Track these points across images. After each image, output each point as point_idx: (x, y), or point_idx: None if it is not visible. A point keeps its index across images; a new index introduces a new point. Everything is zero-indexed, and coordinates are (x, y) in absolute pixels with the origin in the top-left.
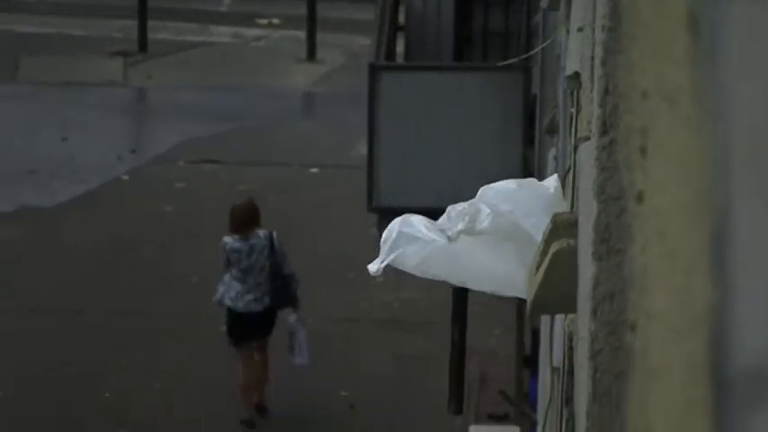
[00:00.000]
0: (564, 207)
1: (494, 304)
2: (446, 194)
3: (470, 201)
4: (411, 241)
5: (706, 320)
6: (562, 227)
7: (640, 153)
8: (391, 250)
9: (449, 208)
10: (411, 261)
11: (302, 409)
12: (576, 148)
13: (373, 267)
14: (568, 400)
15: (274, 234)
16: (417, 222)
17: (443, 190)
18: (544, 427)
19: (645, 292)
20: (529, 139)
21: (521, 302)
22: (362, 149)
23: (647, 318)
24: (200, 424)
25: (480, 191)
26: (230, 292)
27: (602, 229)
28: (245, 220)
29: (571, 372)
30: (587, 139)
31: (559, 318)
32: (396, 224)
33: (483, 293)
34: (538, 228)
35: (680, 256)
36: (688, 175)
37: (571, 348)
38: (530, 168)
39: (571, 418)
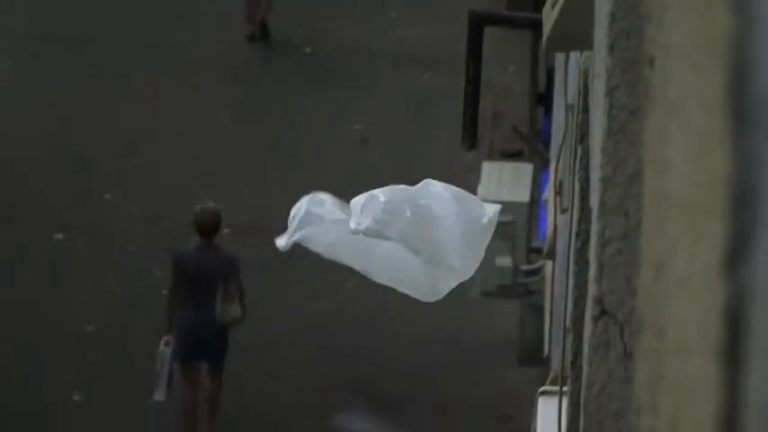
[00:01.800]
0: (485, 242)
1: (509, 41)
2: None
3: (405, 190)
4: (318, 222)
5: (725, 53)
6: None
7: None
8: (299, 227)
9: (374, 193)
10: (319, 242)
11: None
12: None
13: (281, 242)
14: (583, 137)
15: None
16: (327, 200)
17: None
18: (557, 164)
19: (663, 26)
20: None
21: (535, 39)
22: None
23: (665, 53)
24: None
25: (423, 182)
26: None
27: None
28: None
29: (586, 109)
30: None
31: (574, 55)
32: (304, 201)
33: (499, 30)
34: (450, 252)
35: None
36: None
37: (586, 86)
38: None
39: (585, 156)
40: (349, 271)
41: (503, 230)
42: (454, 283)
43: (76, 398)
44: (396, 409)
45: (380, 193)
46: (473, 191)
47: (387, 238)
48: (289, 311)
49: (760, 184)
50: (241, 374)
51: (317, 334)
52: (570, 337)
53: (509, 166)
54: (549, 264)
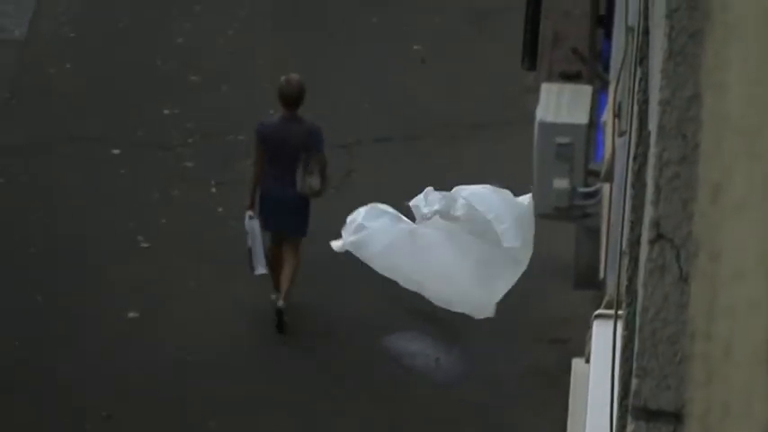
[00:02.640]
0: (533, 225)
1: None
2: None
3: (445, 193)
4: (377, 222)
5: None
6: None
7: None
8: (357, 230)
9: (426, 190)
10: (372, 247)
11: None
12: None
13: (336, 244)
14: (642, 59)
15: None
16: (385, 209)
17: None
18: (616, 86)
19: None
20: None
21: None
22: None
23: None
24: None
25: (454, 189)
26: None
27: None
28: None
29: (646, 31)
30: None
31: None
32: (363, 210)
33: None
34: (507, 234)
35: None
36: None
37: (647, 8)
38: None
39: (644, 78)
40: (403, 194)
41: (561, 152)
42: (505, 290)
43: (132, 315)
44: (448, 331)
45: (432, 189)
46: (532, 112)
47: (456, 220)
48: None
49: None
50: (298, 286)
51: None
52: (626, 261)
53: (568, 88)
54: (606, 186)
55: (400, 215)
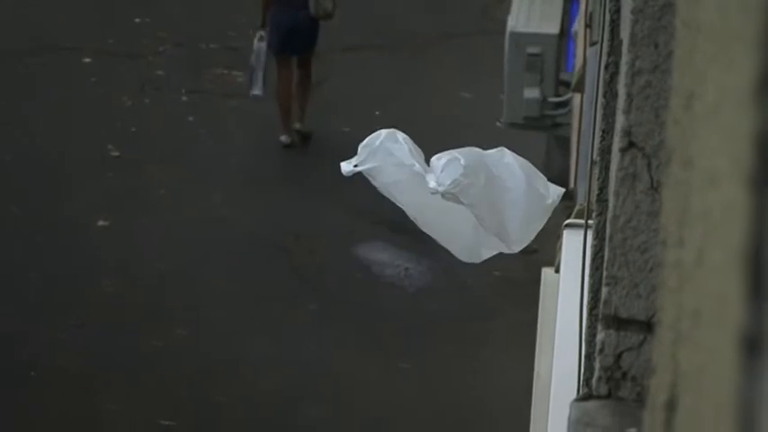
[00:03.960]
0: (543, 223)
1: None
2: None
3: (480, 155)
4: (387, 159)
5: None
6: None
7: None
8: (369, 158)
9: (453, 155)
10: (383, 178)
11: None
12: None
13: (346, 168)
14: None
15: None
16: (403, 141)
17: None
18: None
19: None
20: None
21: None
22: None
23: None
24: None
25: (499, 150)
26: None
27: None
28: None
29: None
30: None
31: None
32: (381, 134)
33: None
34: (509, 222)
35: None
36: None
37: None
38: None
39: None
40: (375, 103)
41: (531, 62)
42: (496, 252)
43: (102, 223)
44: (418, 242)
45: (460, 156)
46: (504, 22)
47: (460, 203)
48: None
49: None
50: (264, 197)
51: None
52: (597, 170)
53: None
54: (576, 96)
55: (416, 150)
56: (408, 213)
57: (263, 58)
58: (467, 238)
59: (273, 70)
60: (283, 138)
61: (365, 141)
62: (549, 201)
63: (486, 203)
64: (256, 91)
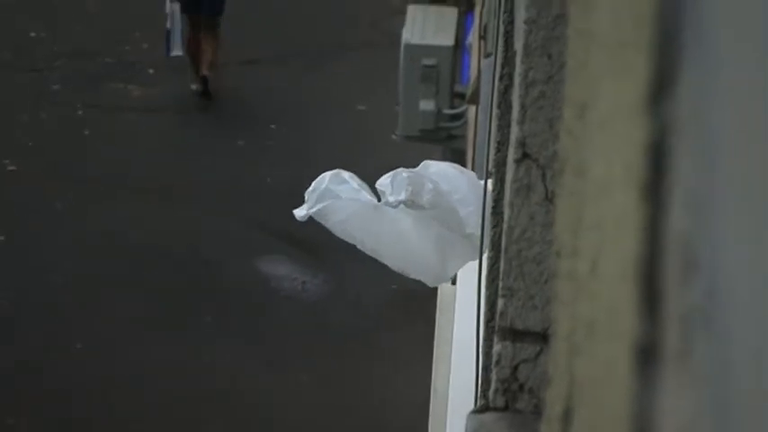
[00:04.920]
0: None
1: None
2: None
3: (413, 170)
4: (335, 198)
5: None
6: None
7: None
8: (318, 201)
9: (394, 172)
10: (335, 216)
11: None
12: None
13: (300, 213)
14: None
15: None
16: (349, 179)
17: None
18: (482, 8)
19: None
20: None
21: None
22: None
23: None
24: None
25: (422, 164)
26: None
27: None
28: None
29: None
30: None
31: None
32: (326, 177)
33: None
34: (470, 219)
35: None
36: None
37: None
38: None
39: None
40: (273, 116)
41: (426, 74)
42: (462, 264)
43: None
44: (316, 255)
45: (400, 171)
46: (394, 35)
47: (422, 208)
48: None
49: (684, 19)
50: (162, 208)
51: (248, 171)
52: (492, 182)
53: (434, 10)
54: (471, 108)
55: (363, 185)
56: (366, 249)
57: (177, 18)
58: (430, 260)
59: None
60: (194, 86)
61: (311, 187)
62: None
63: (443, 205)
64: (176, 51)
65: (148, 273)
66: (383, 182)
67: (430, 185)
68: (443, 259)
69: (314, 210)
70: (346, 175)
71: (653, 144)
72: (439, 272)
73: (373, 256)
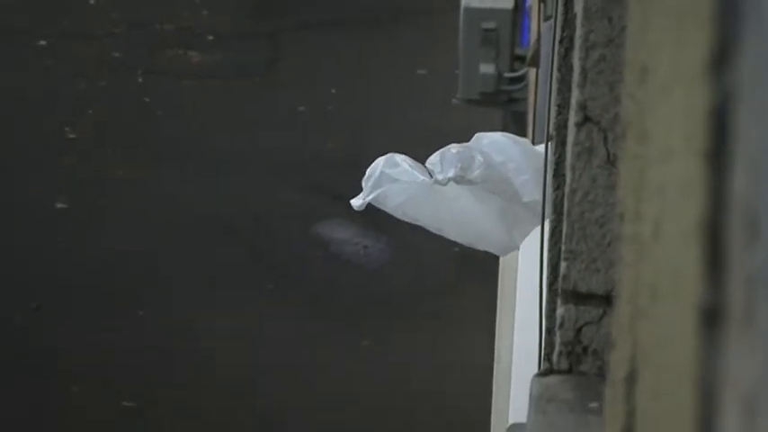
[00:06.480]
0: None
1: None
2: None
3: (464, 145)
4: (394, 181)
5: None
6: None
7: None
8: (374, 188)
9: (444, 149)
10: (393, 200)
11: None
12: None
13: (356, 203)
14: None
15: None
16: (402, 162)
17: None
18: None
19: None
20: None
21: None
22: None
23: None
24: None
25: (474, 137)
26: None
27: None
28: None
29: None
30: None
31: None
32: (380, 162)
33: None
34: (526, 187)
35: None
36: None
37: None
38: None
39: None
40: (333, 81)
41: (486, 37)
42: (530, 230)
43: (60, 205)
44: (376, 220)
45: (449, 147)
46: None
47: (472, 183)
48: (276, 122)
49: None
50: (221, 176)
51: (308, 137)
52: (553, 145)
53: None
54: (532, 71)
55: (416, 165)
56: (430, 228)
57: None
58: (496, 232)
59: None
60: None
61: (366, 174)
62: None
63: (495, 177)
64: None
65: (207, 241)
66: (433, 160)
67: (480, 159)
68: (509, 229)
69: (371, 197)
70: (399, 158)
71: (714, 110)
72: (506, 242)
73: (438, 233)
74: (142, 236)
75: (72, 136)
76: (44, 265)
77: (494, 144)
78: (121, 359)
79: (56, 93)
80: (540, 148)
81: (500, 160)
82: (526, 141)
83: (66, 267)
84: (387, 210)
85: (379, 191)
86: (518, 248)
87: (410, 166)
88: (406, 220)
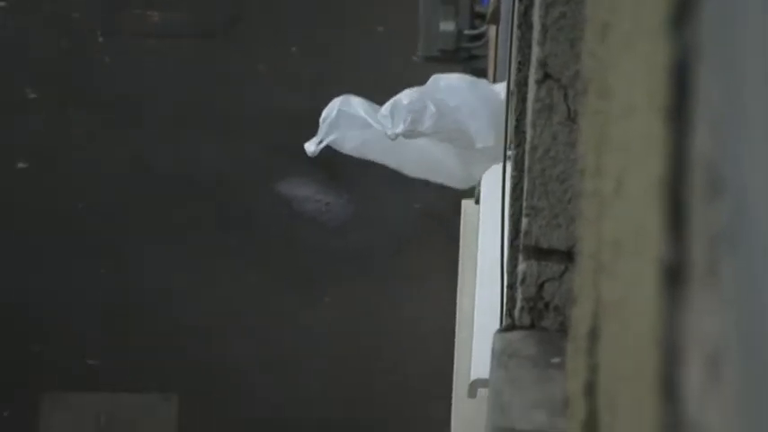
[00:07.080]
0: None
1: None
2: None
3: (418, 89)
4: (349, 124)
5: None
6: None
7: None
8: (329, 131)
9: (396, 98)
10: (349, 144)
11: None
12: None
13: (311, 147)
14: None
15: None
16: (357, 105)
17: None
18: None
19: None
20: None
21: None
22: None
23: None
24: None
25: (432, 78)
26: None
27: None
28: None
29: None
30: None
31: None
32: (336, 103)
33: None
34: (479, 133)
35: None
36: None
37: None
38: None
39: None
40: (291, 41)
41: None
42: (489, 165)
43: (21, 165)
44: (338, 176)
45: (401, 97)
46: None
47: (423, 135)
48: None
49: None
50: (183, 135)
51: (270, 95)
52: (513, 102)
53: None
54: (492, 28)
55: (373, 107)
56: (390, 167)
57: None
58: (454, 168)
59: None
60: None
61: (323, 115)
62: (502, 95)
63: (448, 125)
64: None
65: (172, 200)
66: (384, 112)
67: (432, 109)
68: (466, 165)
69: (328, 140)
70: (355, 100)
71: (676, 66)
72: (464, 176)
73: (397, 170)
74: (107, 195)
75: (32, 96)
76: (3, 224)
77: (449, 87)
78: (83, 316)
79: (15, 53)
80: (499, 86)
81: (454, 104)
82: (485, 82)
83: (25, 225)
84: (344, 152)
85: (334, 135)
86: (475, 182)
87: (365, 110)
88: (366, 159)
